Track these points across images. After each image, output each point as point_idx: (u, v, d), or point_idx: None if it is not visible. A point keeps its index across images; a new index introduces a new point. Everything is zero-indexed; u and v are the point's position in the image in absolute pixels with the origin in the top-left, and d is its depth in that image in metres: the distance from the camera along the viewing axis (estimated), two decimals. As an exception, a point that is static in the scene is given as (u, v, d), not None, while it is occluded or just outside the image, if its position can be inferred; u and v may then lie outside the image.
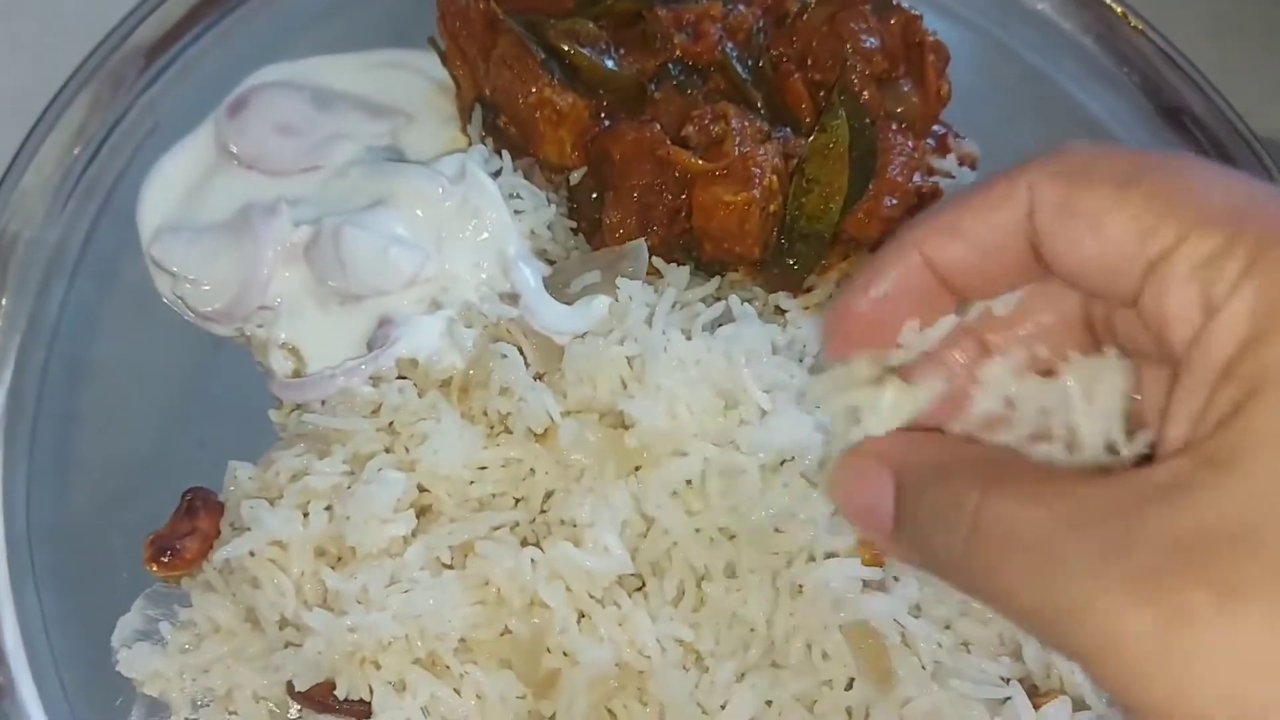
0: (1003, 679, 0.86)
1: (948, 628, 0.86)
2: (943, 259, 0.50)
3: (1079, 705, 0.86)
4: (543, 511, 0.85)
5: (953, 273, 0.51)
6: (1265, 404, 0.38)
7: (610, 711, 0.83)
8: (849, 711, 0.84)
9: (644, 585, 0.85)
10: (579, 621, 0.82)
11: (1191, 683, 0.36)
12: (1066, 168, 0.46)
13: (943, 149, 1.11)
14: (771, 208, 0.95)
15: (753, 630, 0.84)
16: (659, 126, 0.95)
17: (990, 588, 0.44)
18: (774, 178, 0.94)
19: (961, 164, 1.10)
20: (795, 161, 0.96)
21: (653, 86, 0.99)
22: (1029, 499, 0.43)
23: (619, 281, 0.91)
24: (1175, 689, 0.36)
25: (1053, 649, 0.41)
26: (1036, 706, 0.85)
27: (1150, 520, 0.39)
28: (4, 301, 0.94)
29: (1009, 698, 0.85)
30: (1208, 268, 0.41)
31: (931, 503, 0.49)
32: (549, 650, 0.83)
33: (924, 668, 0.84)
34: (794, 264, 0.97)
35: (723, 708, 0.83)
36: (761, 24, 1.03)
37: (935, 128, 1.10)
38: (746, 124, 0.96)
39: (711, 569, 0.84)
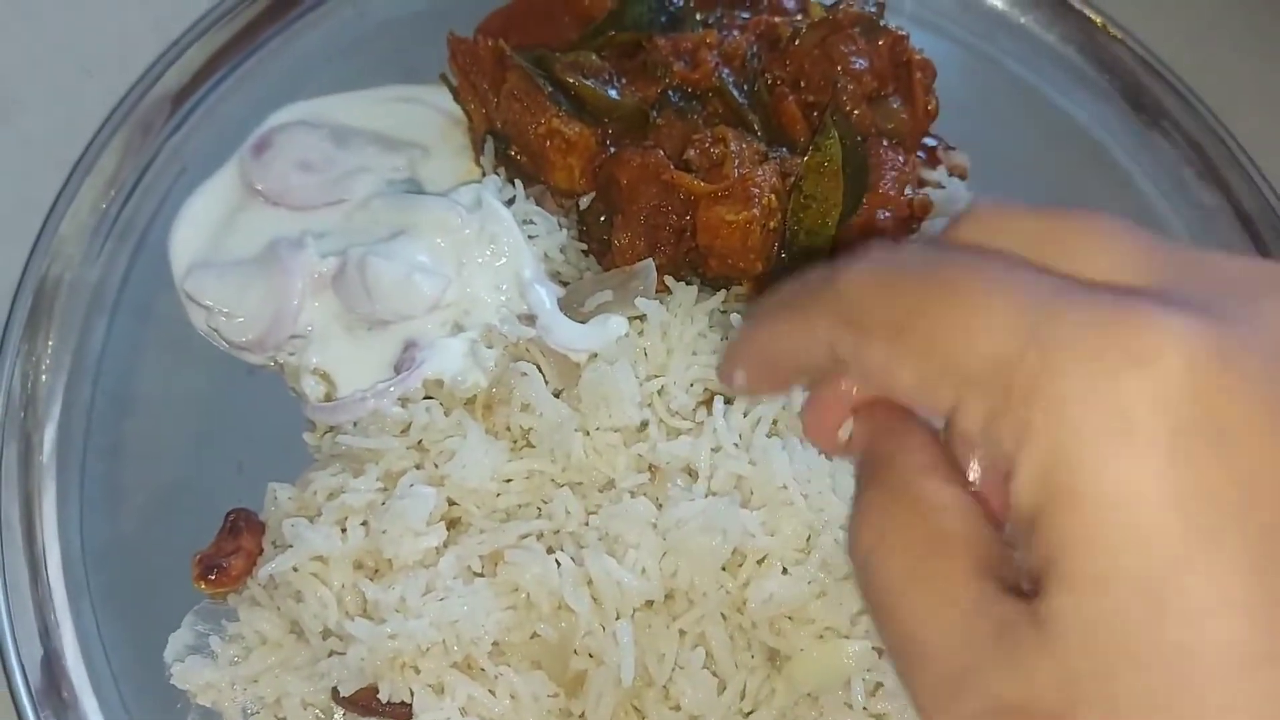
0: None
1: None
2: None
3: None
4: (586, 524, 0.89)
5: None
6: (1057, 587, 0.37)
7: (637, 709, 0.88)
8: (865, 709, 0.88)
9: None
10: (603, 628, 0.87)
11: None
12: (846, 312, 0.43)
13: (933, 161, 1.16)
14: (771, 225, 1.00)
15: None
16: (662, 151, 1.00)
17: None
18: (772, 196, 0.99)
19: (952, 174, 1.15)
20: (792, 180, 1.01)
21: (654, 113, 1.04)
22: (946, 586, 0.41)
23: (637, 301, 0.95)
24: None
25: None
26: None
27: (989, 670, 0.38)
28: (50, 342, 0.99)
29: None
30: (988, 435, 0.39)
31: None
32: (575, 652, 0.87)
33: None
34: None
35: (748, 715, 0.88)
36: (755, 49, 1.08)
37: (926, 141, 1.15)
38: (745, 146, 1.01)
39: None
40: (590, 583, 0.86)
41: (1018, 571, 0.40)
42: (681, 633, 0.87)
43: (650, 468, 0.93)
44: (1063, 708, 0.36)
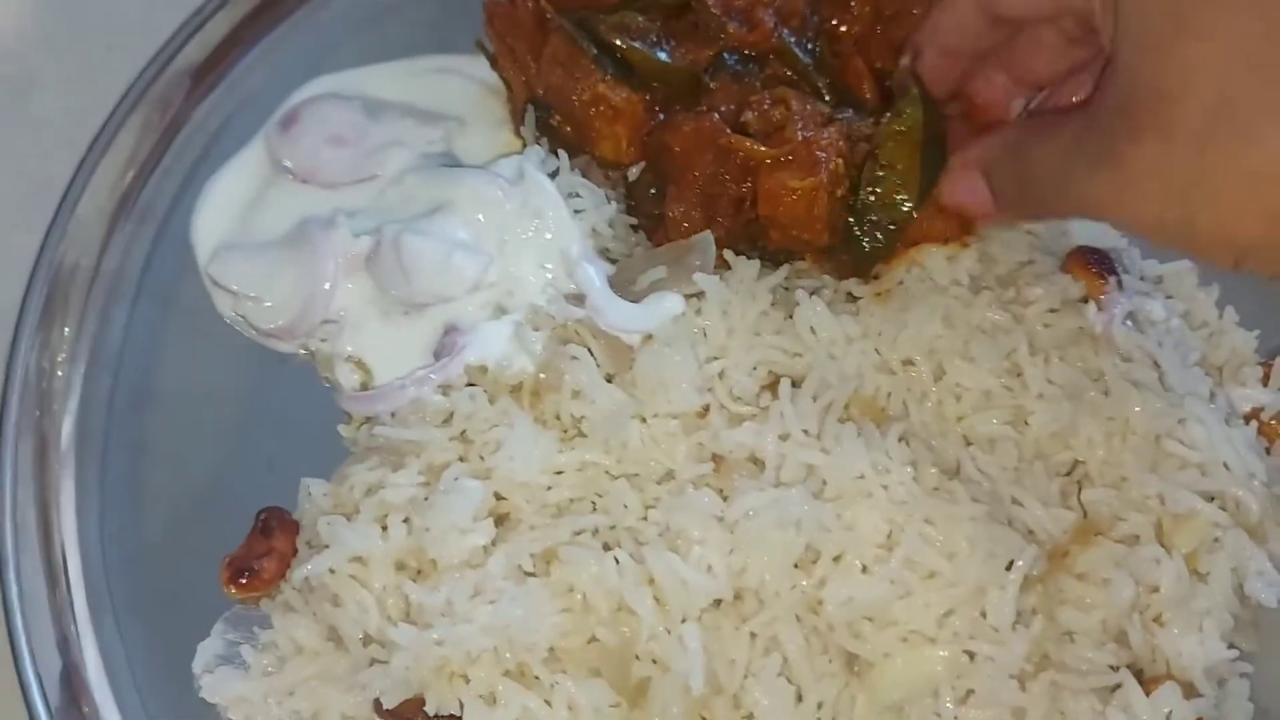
0: (1111, 666, 0.83)
1: (1051, 619, 0.83)
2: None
3: (1189, 691, 0.83)
4: (644, 518, 0.83)
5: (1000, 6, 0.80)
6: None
7: (705, 720, 0.81)
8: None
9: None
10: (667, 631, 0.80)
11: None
12: None
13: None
14: (839, 192, 0.92)
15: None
16: (718, 115, 0.93)
17: (1055, 209, 0.77)
18: (840, 161, 0.92)
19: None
20: (860, 145, 0.94)
21: (707, 76, 0.97)
22: (1048, 143, 0.73)
23: (695, 277, 0.89)
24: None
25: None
26: (1146, 692, 0.82)
27: (1087, 131, 0.67)
28: (66, 331, 0.94)
29: (1119, 685, 0.82)
30: None
31: (1001, 174, 0.81)
32: (638, 658, 0.80)
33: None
34: (868, 249, 0.93)
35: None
36: (812, 5, 1.01)
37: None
38: (808, 108, 0.93)
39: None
40: (652, 582, 0.80)
41: None
42: (753, 636, 0.80)
43: (713, 457, 0.86)
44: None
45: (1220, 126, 0.59)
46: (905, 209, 0.92)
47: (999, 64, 0.86)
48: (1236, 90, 0.58)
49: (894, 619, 0.81)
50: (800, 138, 0.91)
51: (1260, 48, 0.57)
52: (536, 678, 0.79)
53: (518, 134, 1.00)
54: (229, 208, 0.98)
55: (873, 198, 0.92)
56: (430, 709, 0.78)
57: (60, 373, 0.93)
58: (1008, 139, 0.81)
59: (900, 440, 0.85)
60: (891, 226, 0.93)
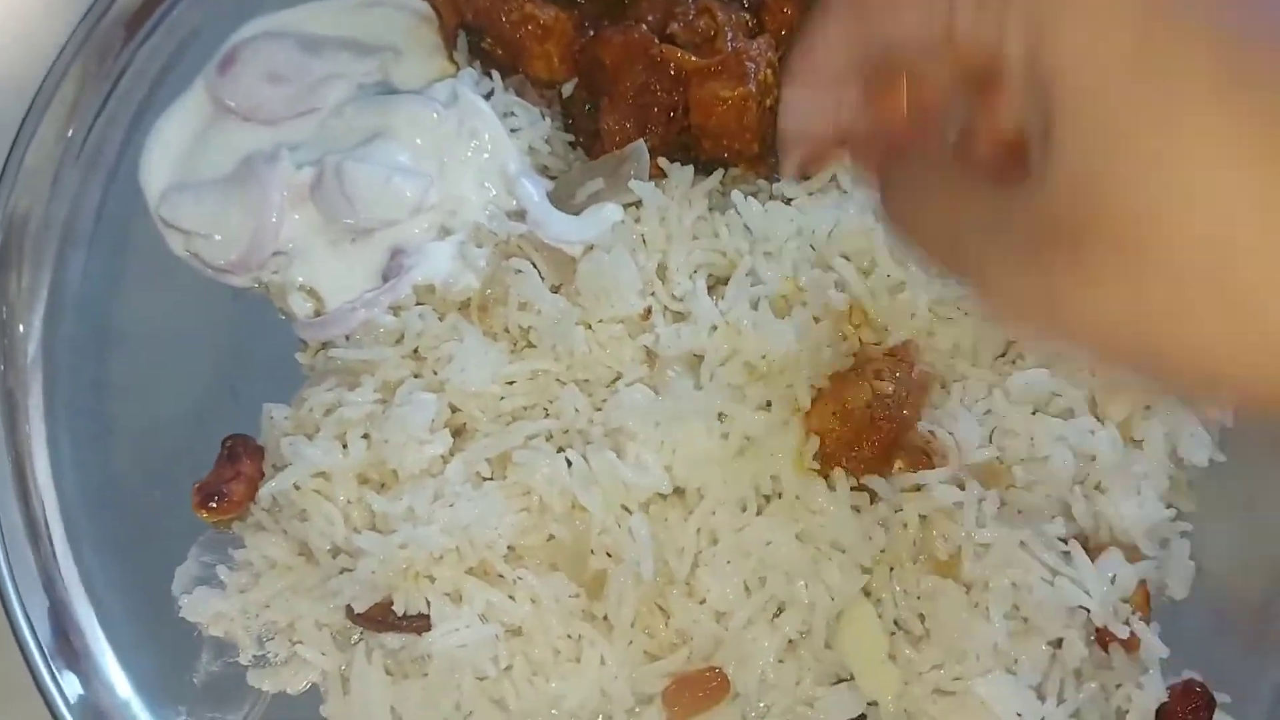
0: (1060, 538, 0.86)
1: (1003, 504, 0.86)
2: None
3: (1133, 555, 0.87)
4: (591, 422, 0.86)
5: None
6: (1060, 109, 0.45)
7: (661, 609, 0.84)
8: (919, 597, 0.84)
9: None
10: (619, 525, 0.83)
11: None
12: None
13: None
14: (768, 102, 0.94)
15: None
16: (645, 27, 0.94)
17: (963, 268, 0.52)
18: (770, 72, 0.93)
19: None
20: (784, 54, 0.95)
21: (630, -12, 0.98)
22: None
23: (631, 184, 0.90)
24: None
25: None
26: (1093, 559, 0.85)
27: (1019, 209, 0.47)
28: (24, 279, 0.95)
29: (1067, 552, 0.85)
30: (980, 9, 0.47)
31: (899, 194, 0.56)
32: (593, 551, 0.84)
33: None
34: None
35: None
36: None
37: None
38: (734, 18, 0.95)
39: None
40: (595, 482, 0.83)
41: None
42: (698, 530, 0.83)
43: (647, 353, 0.89)
44: (1078, 226, 0.45)
45: (1212, 273, 0.45)
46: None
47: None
48: (1236, 236, 0.44)
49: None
50: (730, 49, 0.92)
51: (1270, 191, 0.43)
52: (500, 575, 0.82)
53: (451, 60, 1.01)
54: (175, 150, 0.98)
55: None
56: (399, 609, 0.81)
57: (21, 322, 0.94)
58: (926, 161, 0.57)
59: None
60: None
